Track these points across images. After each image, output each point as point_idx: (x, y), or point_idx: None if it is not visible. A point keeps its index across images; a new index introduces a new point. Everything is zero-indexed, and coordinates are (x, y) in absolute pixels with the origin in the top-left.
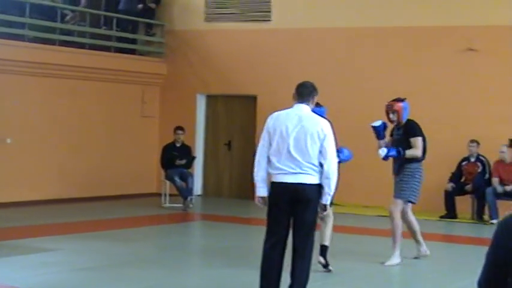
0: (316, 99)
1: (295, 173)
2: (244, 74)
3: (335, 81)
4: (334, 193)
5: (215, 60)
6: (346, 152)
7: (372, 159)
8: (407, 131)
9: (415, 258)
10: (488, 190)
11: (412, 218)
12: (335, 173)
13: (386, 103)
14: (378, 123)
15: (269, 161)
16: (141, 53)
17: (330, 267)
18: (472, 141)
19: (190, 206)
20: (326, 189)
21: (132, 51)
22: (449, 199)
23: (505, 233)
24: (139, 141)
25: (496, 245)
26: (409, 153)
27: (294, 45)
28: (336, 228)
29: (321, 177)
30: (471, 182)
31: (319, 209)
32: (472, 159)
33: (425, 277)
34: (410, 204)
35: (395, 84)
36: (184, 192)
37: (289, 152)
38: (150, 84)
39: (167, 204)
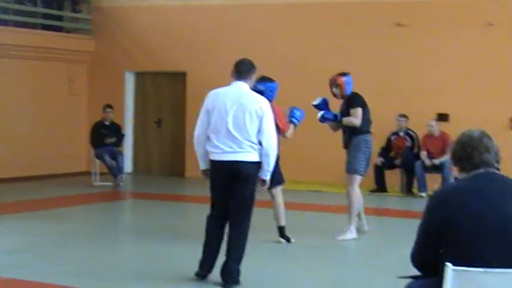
0: (254, 76)
1: (234, 152)
2: (173, 50)
3: (265, 58)
4: (280, 172)
5: (143, 37)
6: (297, 113)
7: (302, 135)
8: (349, 102)
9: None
10: (417, 164)
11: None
12: (274, 150)
13: (330, 78)
14: (317, 101)
15: (208, 138)
16: (68, 30)
17: (292, 240)
18: (401, 115)
19: (121, 184)
20: (265, 166)
21: (58, 29)
22: (379, 173)
23: (437, 205)
24: (68, 119)
25: (428, 218)
26: (346, 120)
27: (222, 21)
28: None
29: (260, 155)
30: (400, 156)
31: (258, 184)
32: (401, 134)
33: (359, 250)
34: (358, 177)
35: (325, 60)
36: (115, 171)
37: (228, 130)
38: (78, 62)
39: (98, 183)
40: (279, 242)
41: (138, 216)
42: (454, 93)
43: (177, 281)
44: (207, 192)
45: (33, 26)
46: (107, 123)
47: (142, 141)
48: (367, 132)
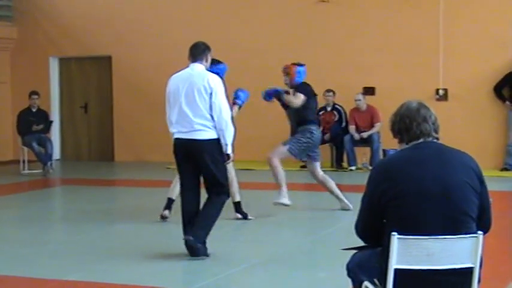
0: (210, 57)
1: (189, 131)
2: (97, 34)
3: (193, 38)
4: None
5: (66, 22)
6: (241, 95)
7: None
8: (296, 90)
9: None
10: (346, 138)
11: (321, 176)
12: (227, 123)
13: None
14: (262, 94)
15: (170, 121)
16: None
17: (250, 217)
18: (328, 90)
19: (51, 171)
20: (222, 140)
21: None
22: None
23: (379, 176)
24: None
25: (371, 189)
26: (287, 98)
27: (145, 3)
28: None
29: (216, 131)
30: (329, 131)
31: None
32: (329, 109)
33: (293, 225)
34: (317, 163)
35: (250, 40)
36: (44, 158)
37: (181, 109)
38: (0, 49)
39: (26, 171)
40: (237, 218)
41: (72, 203)
42: (380, 66)
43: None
44: (137, 176)
45: None
46: (33, 110)
47: (70, 127)
48: (312, 122)
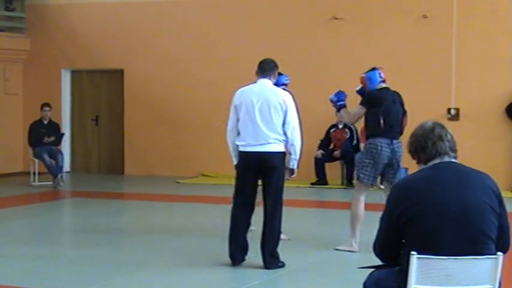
0: (277, 73)
1: (261, 144)
2: (109, 48)
3: (201, 53)
4: None
5: (79, 34)
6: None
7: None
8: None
9: None
10: (357, 155)
11: None
12: (299, 140)
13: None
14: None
15: (238, 133)
16: (2, 29)
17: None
18: None
19: (61, 183)
20: (293, 155)
21: None
22: (320, 166)
23: (398, 196)
24: (3, 119)
25: (390, 209)
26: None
27: (159, 18)
28: (208, 199)
29: (285, 145)
30: (340, 149)
31: (287, 174)
32: (340, 126)
33: (310, 244)
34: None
35: (261, 53)
36: (54, 170)
37: (255, 123)
38: (12, 60)
39: (36, 183)
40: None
41: (81, 216)
42: (391, 84)
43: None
44: (147, 190)
45: None
46: (45, 122)
47: (80, 140)
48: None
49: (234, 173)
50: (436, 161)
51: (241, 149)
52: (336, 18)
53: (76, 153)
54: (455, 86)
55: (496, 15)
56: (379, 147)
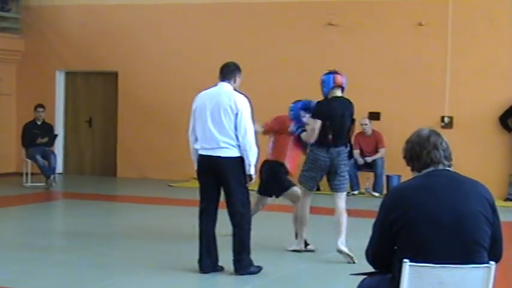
0: (239, 78)
1: (213, 148)
2: (104, 50)
3: (197, 58)
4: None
5: (74, 36)
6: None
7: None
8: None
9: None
10: (350, 162)
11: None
12: (252, 145)
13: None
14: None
15: (195, 137)
16: None
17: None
18: None
19: (54, 184)
20: (246, 160)
21: None
22: None
23: (391, 204)
24: None
25: (383, 216)
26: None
27: (154, 21)
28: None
29: (239, 150)
30: None
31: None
32: None
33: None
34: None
35: (256, 59)
36: (47, 171)
37: (207, 127)
38: (6, 61)
39: (29, 184)
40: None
41: (73, 217)
42: (386, 92)
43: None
44: (139, 193)
45: None
46: (38, 123)
47: (74, 141)
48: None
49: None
50: (430, 169)
51: (199, 152)
52: (332, 25)
53: (69, 154)
54: (449, 94)
55: (491, 25)
56: (319, 158)
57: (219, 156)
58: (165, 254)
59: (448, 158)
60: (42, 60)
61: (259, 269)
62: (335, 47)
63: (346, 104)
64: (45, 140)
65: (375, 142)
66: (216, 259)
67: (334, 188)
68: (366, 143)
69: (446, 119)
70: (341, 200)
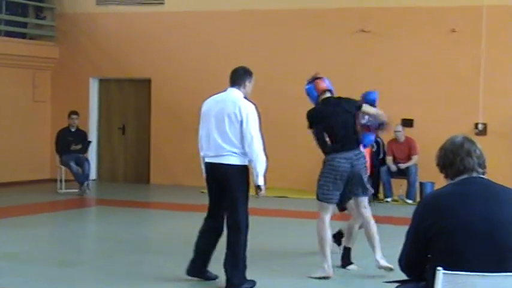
0: (249, 82)
1: (216, 156)
2: (137, 57)
3: (229, 65)
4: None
5: (107, 43)
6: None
7: (270, 141)
8: None
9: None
10: (383, 169)
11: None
12: (259, 154)
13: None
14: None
15: (201, 143)
16: (32, 37)
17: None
18: None
19: (87, 191)
20: (254, 171)
21: (22, 35)
22: None
23: (424, 211)
24: (31, 126)
25: (416, 224)
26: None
27: (187, 28)
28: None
29: (244, 159)
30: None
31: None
32: None
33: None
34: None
35: (288, 65)
36: (81, 178)
37: (211, 134)
38: (41, 68)
39: (63, 190)
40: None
41: (107, 224)
42: (419, 98)
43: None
44: (172, 199)
45: None
46: (72, 129)
47: (107, 148)
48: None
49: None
50: (464, 176)
51: (205, 160)
52: (364, 31)
53: (102, 161)
54: (483, 100)
55: None
56: (337, 165)
57: (222, 164)
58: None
59: (482, 165)
60: (76, 67)
61: (252, 284)
62: (367, 54)
63: (335, 102)
64: (79, 146)
65: (408, 149)
66: (204, 265)
67: (356, 194)
68: (399, 150)
69: (480, 126)
70: (366, 208)
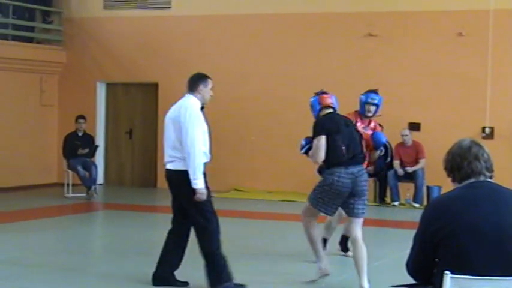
0: (203, 87)
1: (166, 162)
2: (144, 61)
3: (236, 69)
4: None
5: (115, 47)
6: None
7: (276, 145)
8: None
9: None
10: (390, 173)
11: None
12: (192, 158)
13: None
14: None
15: None
16: (39, 41)
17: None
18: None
19: (94, 195)
20: (189, 175)
21: (29, 39)
22: None
23: (432, 215)
24: (38, 130)
25: (424, 227)
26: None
27: (194, 32)
28: (243, 214)
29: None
30: (373, 165)
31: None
32: None
33: (337, 259)
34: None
35: (296, 70)
36: (88, 182)
37: (164, 141)
38: (49, 72)
39: (70, 194)
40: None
41: (114, 228)
42: (426, 102)
43: None
44: None
45: (4, 37)
46: (79, 134)
47: (114, 152)
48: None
49: (264, 187)
50: (471, 180)
51: None
52: (371, 35)
53: (109, 165)
54: (490, 104)
55: None
56: (337, 179)
57: (168, 169)
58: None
59: (489, 169)
60: (84, 71)
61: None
62: (374, 58)
63: (340, 117)
64: (86, 151)
65: (415, 153)
66: (171, 269)
67: (352, 213)
68: (406, 154)
69: (487, 130)
70: (359, 228)
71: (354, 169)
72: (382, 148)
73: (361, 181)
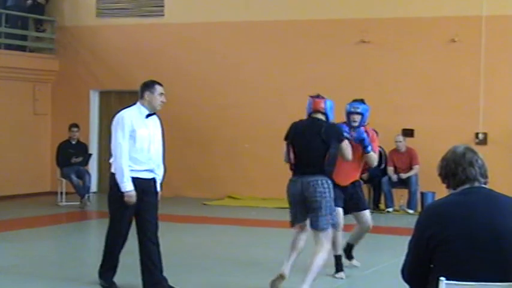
0: (148, 94)
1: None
2: (137, 69)
3: (229, 76)
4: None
5: (108, 56)
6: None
7: (270, 152)
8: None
9: None
10: (384, 179)
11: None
12: (115, 162)
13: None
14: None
15: None
16: (32, 50)
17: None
18: None
19: (88, 204)
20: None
21: (22, 48)
22: None
23: (427, 221)
24: (32, 139)
25: (419, 234)
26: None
27: (187, 40)
28: (238, 222)
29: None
30: (367, 172)
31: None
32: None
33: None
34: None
35: (289, 77)
36: (81, 190)
37: None
38: (42, 81)
39: (63, 203)
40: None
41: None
42: (419, 109)
43: None
44: (174, 211)
45: None
46: (73, 142)
47: (108, 161)
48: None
49: (258, 194)
50: (466, 186)
51: None
52: (364, 42)
53: (103, 174)
54: (483, 110)
55: None
56: (290, 187)
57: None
58: (205, 271)
59: (484, 175)
60: (77, 80)
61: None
62: (368, 64)
63: (314, 124)
64: (80, 159)
65: (409, 159)
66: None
67: (310, 224)
68: (399, 160)
69: (480, 136)
70: (319, 240)
71: (303, 179)
72: (362, 136)
73: (310, 192)
